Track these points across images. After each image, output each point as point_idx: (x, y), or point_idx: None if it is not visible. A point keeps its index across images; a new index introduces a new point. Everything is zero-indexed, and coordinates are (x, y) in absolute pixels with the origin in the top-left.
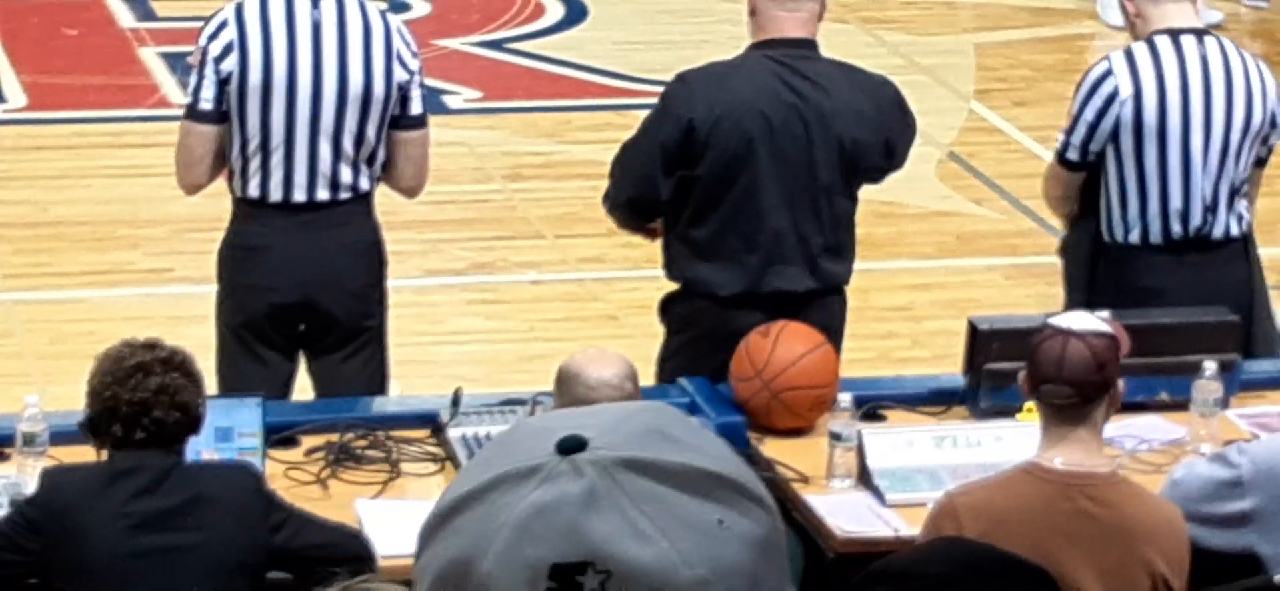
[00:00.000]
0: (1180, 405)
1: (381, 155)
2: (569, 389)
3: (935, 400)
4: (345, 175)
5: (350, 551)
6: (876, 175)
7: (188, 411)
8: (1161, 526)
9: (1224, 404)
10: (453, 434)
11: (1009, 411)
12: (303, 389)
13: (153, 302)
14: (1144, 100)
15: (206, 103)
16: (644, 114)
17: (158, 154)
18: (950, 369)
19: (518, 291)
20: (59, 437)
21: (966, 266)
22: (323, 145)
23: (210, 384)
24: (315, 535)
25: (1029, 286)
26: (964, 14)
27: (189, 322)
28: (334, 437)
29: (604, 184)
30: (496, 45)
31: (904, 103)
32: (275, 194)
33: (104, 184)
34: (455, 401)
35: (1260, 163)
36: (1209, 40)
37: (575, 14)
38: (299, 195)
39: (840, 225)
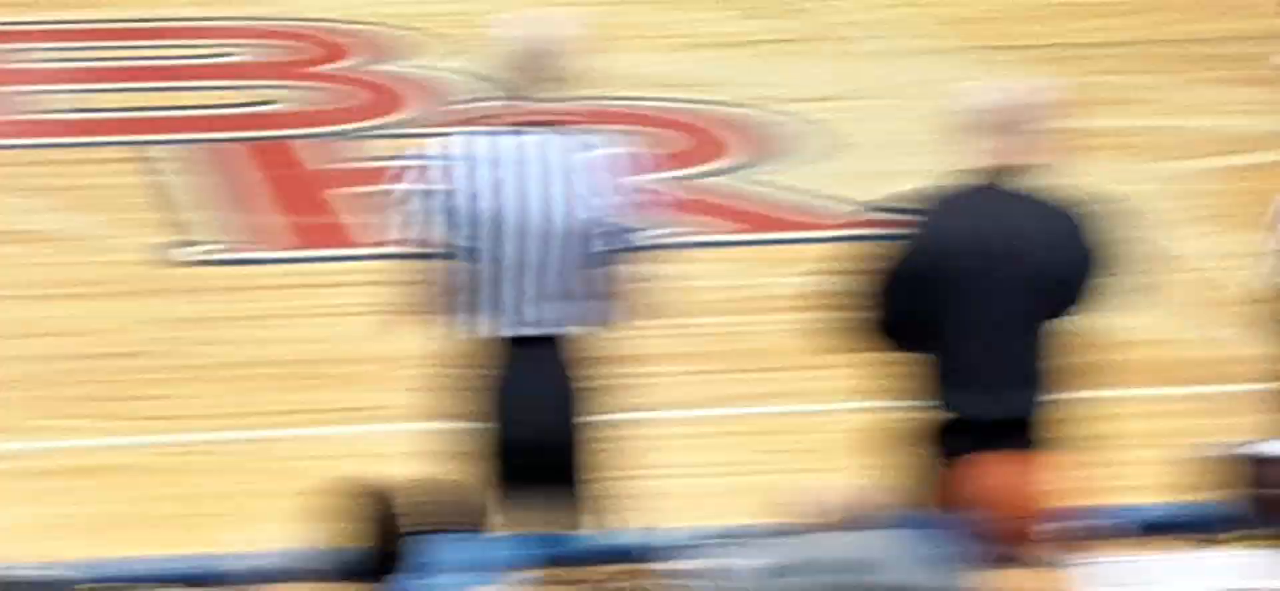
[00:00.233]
0: None
1: (595, 287)
2: None
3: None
4: (559, 308)
5: None
6: None
7: (395, 542)
8: None
9: None
10: (689, 566)
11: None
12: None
13: (356, 440)
14: None
15: (422, 237)
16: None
17: (355, 293)
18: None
19: (743, 423)
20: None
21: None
22: (540, 278)
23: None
24: None
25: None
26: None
27: (391, 459)
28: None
29: (816, 317)
30: (709, 177)
31: None
32: (496, 328)
33: (304, 323)
34: (689, 536)
35: None
36: None
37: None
38: (513, 329)
39: None
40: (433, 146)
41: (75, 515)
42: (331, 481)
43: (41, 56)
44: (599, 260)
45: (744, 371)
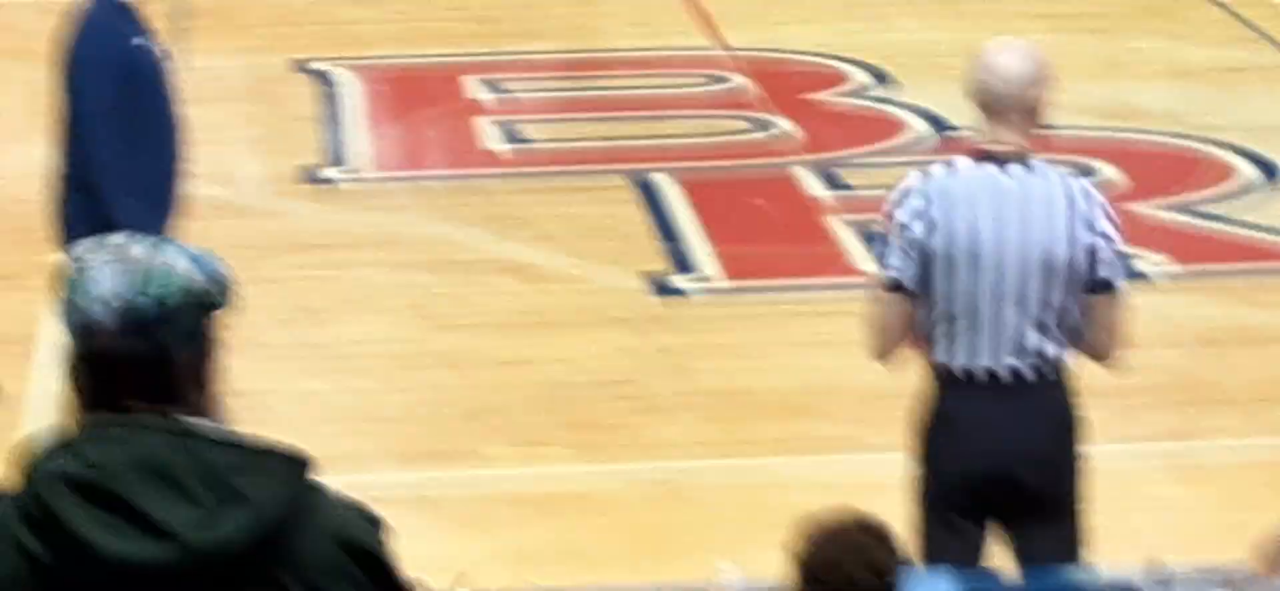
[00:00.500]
0: None
1: (1073, 321)
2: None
3: None
4: (1036, 342)
5: None
6: None
7: (882, 575)
8: None
9: None
10: None
11: None
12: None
13: (842, 470)
14: None
15: (895, 271)
16: None
17: (846, 323)
18: None
19: (1214, 458)
20: None
21: None
22: (1013, 312)
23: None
24: None
25: None
26: None
27: (877, 491)
28: None
29: None
30: (1186, 209)
31: None
32: (966, 362)
33: (794, 352)
34: (1181, 573)
35: None
36: None
37: (1268, 177)
38: (990, 363)
39: None
40: (914, 178)
41: (553, 544)
42: (815, 513)
43: (527, 87)
44: (1077, 294)
45: (1230, 404)
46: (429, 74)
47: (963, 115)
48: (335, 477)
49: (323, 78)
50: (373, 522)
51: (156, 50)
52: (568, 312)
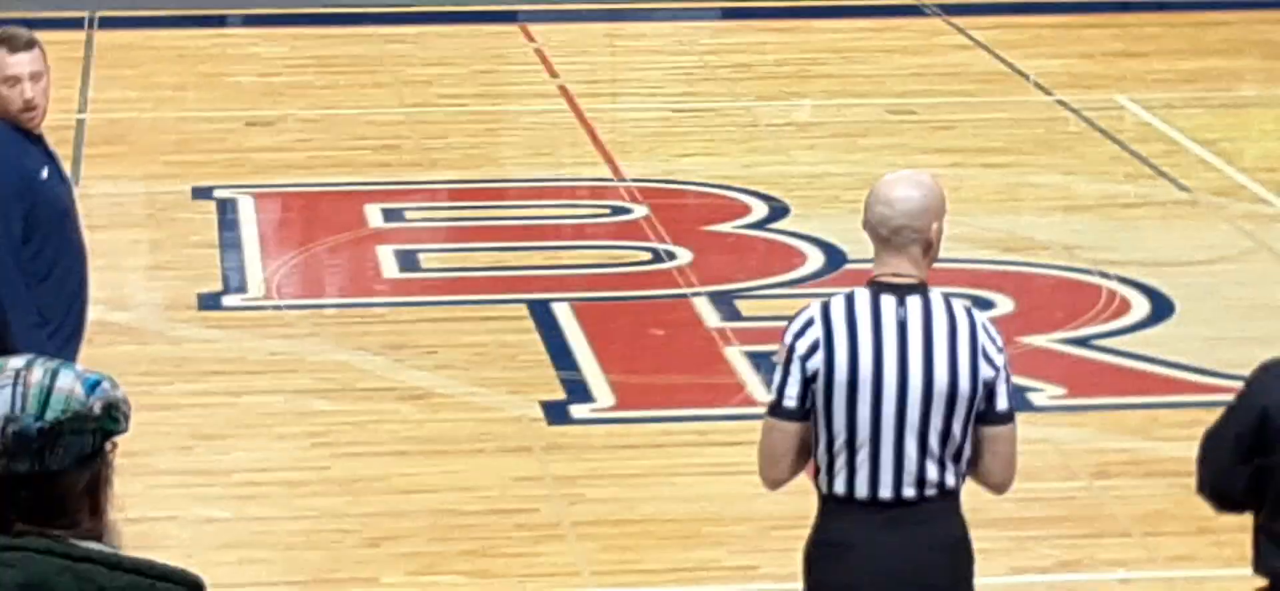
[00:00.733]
0: None
1: (968, 452)
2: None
3: None
4: (932, 472)
5: None
6: None
7: None
8: None
9: None
10: None
11: None
12: None
13: None
14: None
15: (791, 400)
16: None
17: (742, 452)
18: None
19: (1107, 589)
20: None
21: None
22: (909, 442)
23: None
24: None
25: None
26: None
27: None
28: None
29: (1193, 481)
30: (1081, 342)
31: None
32: (861, 491)
33: (690, 482)
34: None
35: None
36: None
37: (1161, 310)
38: (885, 492)
39: None
40: (813, 308)
41: None
42: None
43: (426, 216)
44: (973, 425)
45: (1123, 535)
46: (329, 201)
47: (861, 247)
48: None
49: (222, 204)
50: None
51: (58, 176)
52: (465, 440)
